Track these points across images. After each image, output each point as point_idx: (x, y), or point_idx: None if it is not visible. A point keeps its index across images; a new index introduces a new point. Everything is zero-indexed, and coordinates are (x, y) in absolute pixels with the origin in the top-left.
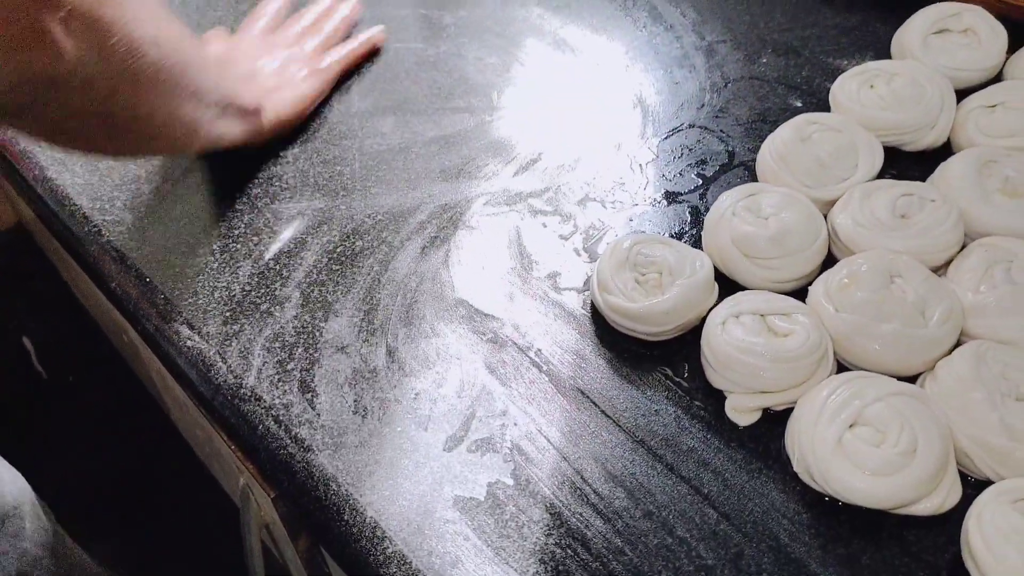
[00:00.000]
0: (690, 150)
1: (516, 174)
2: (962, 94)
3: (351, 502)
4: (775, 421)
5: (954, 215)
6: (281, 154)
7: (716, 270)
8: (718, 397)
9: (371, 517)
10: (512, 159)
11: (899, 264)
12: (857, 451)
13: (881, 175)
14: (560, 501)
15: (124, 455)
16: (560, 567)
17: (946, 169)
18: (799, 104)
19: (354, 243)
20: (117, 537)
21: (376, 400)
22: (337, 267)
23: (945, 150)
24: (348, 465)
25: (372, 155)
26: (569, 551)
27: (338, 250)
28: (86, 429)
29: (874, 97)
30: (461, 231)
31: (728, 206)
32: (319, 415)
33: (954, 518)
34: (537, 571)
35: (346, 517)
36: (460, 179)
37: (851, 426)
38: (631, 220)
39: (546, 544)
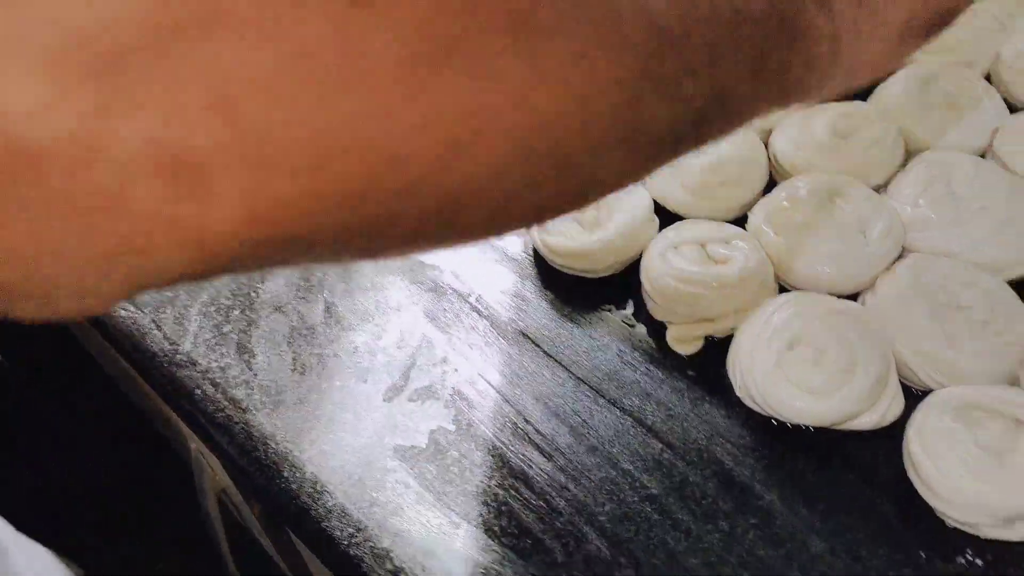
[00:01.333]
0: None
1: None
2: None
3: (290, 459)
4: (718, 348)
5: (893, 133)
6: None
7: (656, 203)
8: (661, 329)
9: (311, 472)
10: None
11: (838, 184)
12: (797, 371)
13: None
14: (502, 443)
15: (75, 426)
16: (503, 507)
17: (885, 88)
18: None
19: None
20: (75, 504)
21: (315, 356)
22: None
23: None
24: (287, 423)
25: None
26: (512, 491)
27: None
28: (35, 400)
29: None
30: None
31: None
32: (256, 375)
33: (897, 430)
34: (480, 513)
35: (285, 474)
36: None
37: (790, 347)
38: None
39: (488, 486)
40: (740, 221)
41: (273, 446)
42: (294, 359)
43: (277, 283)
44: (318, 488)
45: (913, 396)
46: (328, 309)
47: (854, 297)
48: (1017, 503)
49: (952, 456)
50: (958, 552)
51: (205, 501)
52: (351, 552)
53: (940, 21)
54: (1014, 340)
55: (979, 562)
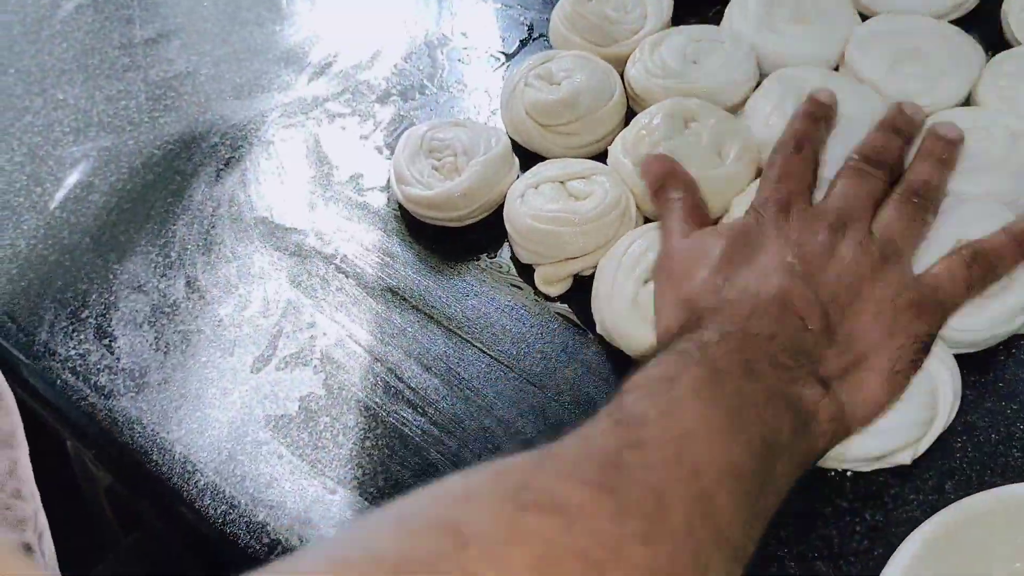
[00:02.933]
0: (489, 29)
1: (311, 81)
2: None
3: (158, 441)
4: (587, 287)
5: (743, 51)
6: (60, 98)
7: (516, 144)
8: (529, 272)
9: (180, 453)
10: (305, 66)
11: (692, 108)
12: (650, 307)
13: (677, 24)
14: (374, 403)
15: None
16: (379, 468)
17: (735, 7)
18: None
19: (144, 177)
20: None
21: (178, 334)
22: (128, 205)
23: None
24: (152, 405)
25: (158, 84)
26: (387, 451)
27: (127, 188)
28: None
29: None
30: (256, 148)
31: (520, 77)
32: (119, 359)
33: None
34: (355, 476)
35: (155, 458)
36: (252, 95)
37: (645, 282)
38: (432, 109)
39: (363, 448)
40: (601, 158)
41: (140, 430)
42: (157, 338)
43: (135, 262)
44: (188, 468)
45: None
46: (190, 284)
47: (715, 223)
48: (877, 445)
49: None
50: (828, 467)
51: (95, 498)
52: (227, 530)
53: (923, 352)
54: None
55: (849, 473)
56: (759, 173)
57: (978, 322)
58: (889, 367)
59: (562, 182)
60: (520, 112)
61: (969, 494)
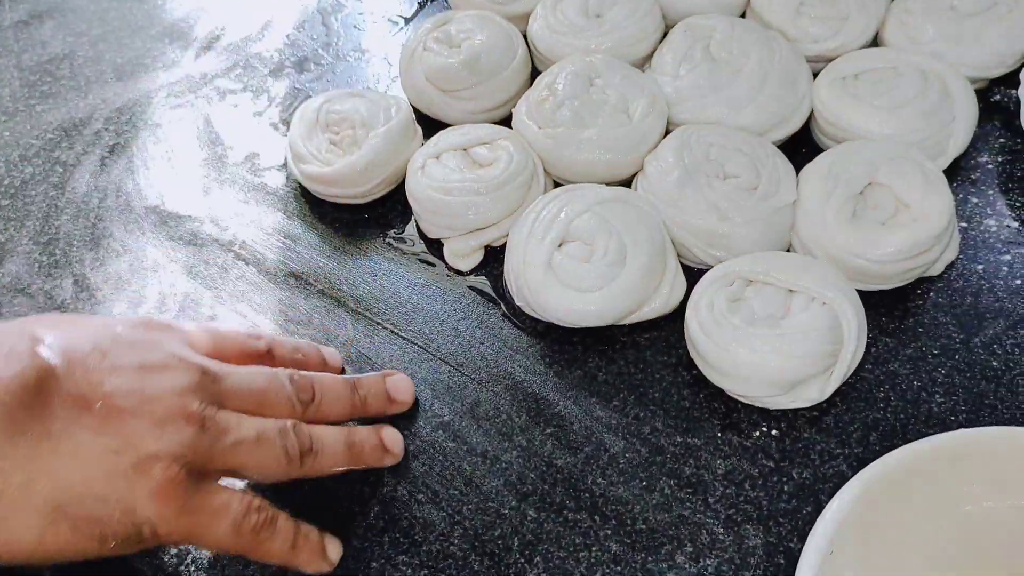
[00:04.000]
0: None
1: (198, 57)
2: None
3: None
4: (500, 258)
5: (647, 2)
6: None
7: (419, 112)
8: (438, 247)
9: None
10: (192, 41)
11: (596, 65)
12: (567, 270)
13: None
14: None
15: None
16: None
17: None
18: None
19: (23, 171)
20: None
21: None
22: (6, 201)
23: None
24: None
25: (32, 69)
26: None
27: (4, 183)
28: None
29: None
30: (143, 132)
31: (418, 42)
32: None
33: (683, 314)
34: None
35: None
36: (136, 76)
37: (560, 245)
38: (329, 80)
39: None
40: (508, 122)
41: None
42: None
43: (16, 263)
44: None
45: (696, 275)
46: (78, 283)
47: (628, 183)
48: (790, 368)
49: (727, 330)
50: (753, 427)
51: None
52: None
53: None
54: (782, 203)
55: (774, 432)
56: (668, 131)
57: (881, 253)
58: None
59: (465, 149)
60: (420, 78)
61: (895, 445)
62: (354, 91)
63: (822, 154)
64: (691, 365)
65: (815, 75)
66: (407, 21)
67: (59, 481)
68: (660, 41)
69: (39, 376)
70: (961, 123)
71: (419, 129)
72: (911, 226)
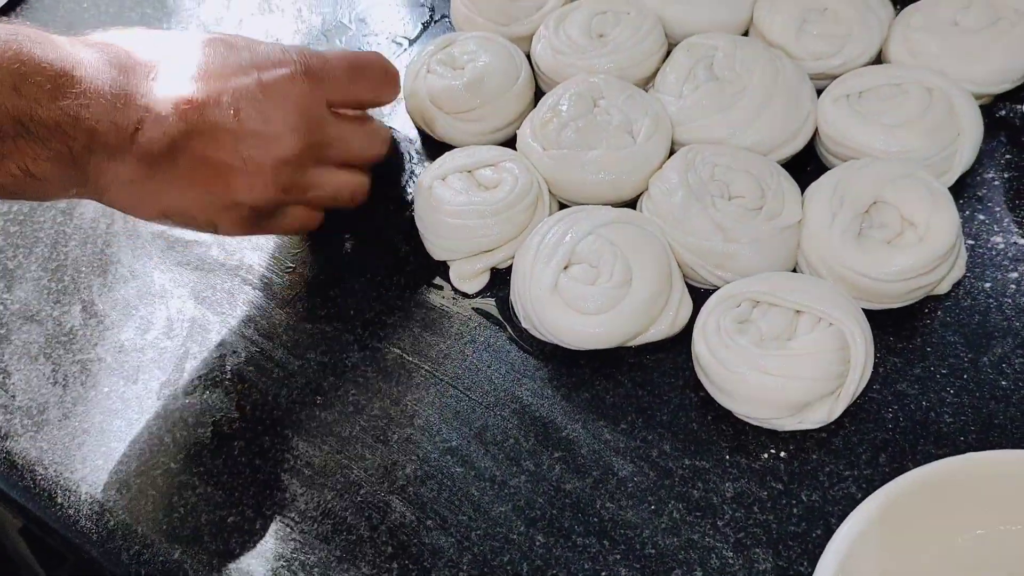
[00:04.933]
0: (388, 13)
1: None
2: None
3: (62, 483)
4: (506, 280)
5: (650, 22)
6: None
7: (423, 134)
8: (444, 269)
9: (86, 493)
10: None
11: (599, 86)
12: (573, 293)
13: None
14: (291, 422)
15: None
16: (299, 492)
17: None
18: None
19: None
20: None
21: (76, 364)
22: (15, 228)
23: None
24: (53, 443)
25: None
26: (304, 472)
27: (13, 210)
28: None
29: None
30: None
31: (421, 64)
32: (14, 397)
33: (690, 335)
34: (274, 502)
35: (59, 500)
36: None
37: (565, 268)
38: None
39: (279, 472)
40: (512, 143)
41: (41, 472)
42: (54, 371)
43: (25, 290)
44: (96, 509)
45: (703, 296)
46: (86, 309)
47: (634, 204)
48: (798, 390)
49: (734, 352)
50: (761, 449)
51: (8, 542)
52: (142, 572)
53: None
54: (787, 222)
55: (783, 454)
56: (673, 151)
57: (887, 272)
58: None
59: (470, 171)
60: (424, 100)
61: (904, 467)
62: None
63: (827, 173)
64: (698, 387)
65: (819, 92)
66: (411, 42)
67: (172, 202)
68: (663, 61)
69: (181, 136)
70: (967, 140)
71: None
72: (917, 245)
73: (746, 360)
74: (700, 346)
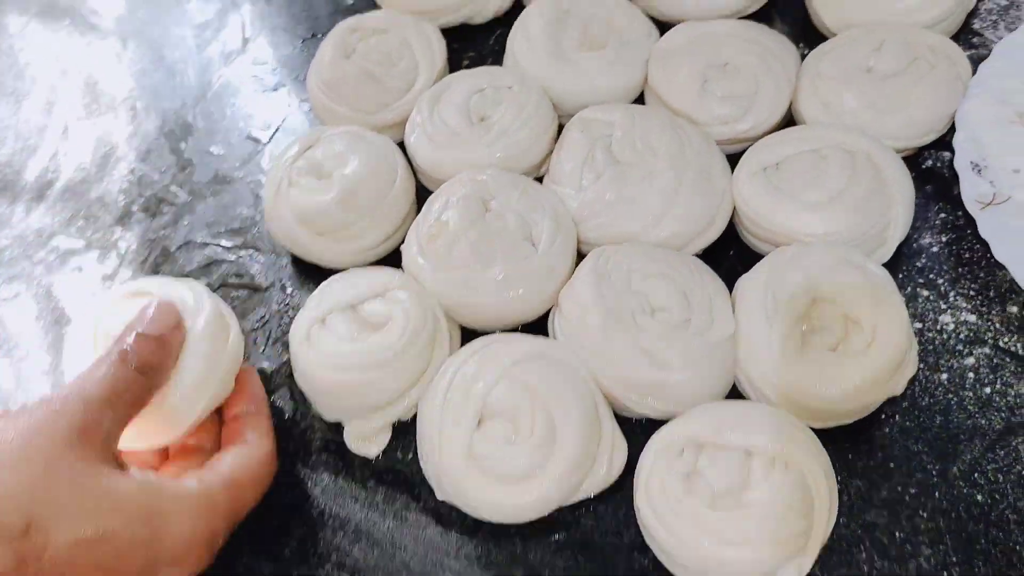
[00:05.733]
0: (240, 105)
1: (30, 211)
2: None
3: None
4: (411, 434)
5: (535, 97)
6: None
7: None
8: (338, 430)
9: None
10: (20, 191)
11: (488, 185)
12: (491, 457)
13: (455, 67)
14: None
15: None
16: None
17: (517, 36)
18: (348, 2)
19: None
20: None
21: None
22: None
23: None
24: None
25: None
26: None
27: None
28: None
29: None
30: None
31: (282, 173)
32: None
33: (628, 479)
34: None
35: None
36: None
37: (479, 424)
38: (189, 223)
39: None
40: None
41: None
42: None
43: None
44: None
45: (634, 426)
46: None
47: (544, 318)
48: (763, 559)
49: (686, 519)
50: None
51: None
52: None
53: None
54: (719, 336)
55: None
56: (581, 256)
57: (839, 391)
58: None
59: (354, 307)
60: (289, 220)
61: None
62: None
63: (755, 268)
64: (645, 546)
65: (729, 157)
66: (268, 139)
67: None
68: (555, 141)
69: None
70: (899, 207)
71: (231, 322)
72: (867, 353)
73: (700, 526)
74: (646, 511)
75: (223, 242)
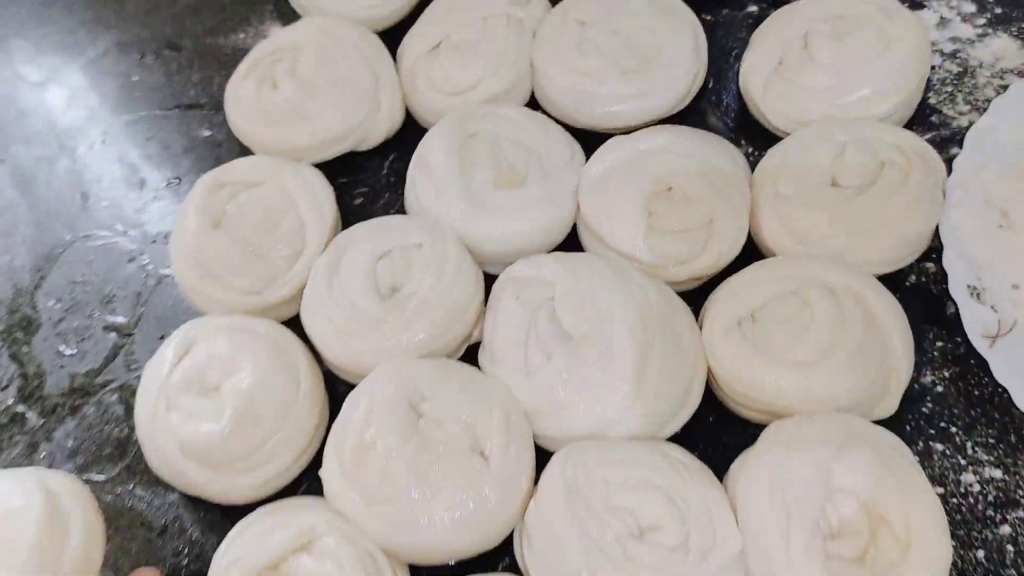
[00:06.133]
0: (90, 284)
1: None
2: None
3: None
4: None
5: (453, 258)
6: None
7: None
8: None
9: None
10: None
11: (416, 380)
12: None
13: (346, 210)
14: None
15: None
16: None
17: (418, 177)
18: (206, 134)
19: None
20: None
21: None
22: None
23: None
24: None
25: None
26: None
27: None
28: None
29: (277, 101)
30: None
31: (158, 392)
32: None
33: None
34: None
35: None
36: None
37: None
38: (46, 451)
39: None
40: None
41: None
42: None
43: None
44: None
45: None
46: None
47: (508, 542)
48: None
49: None
50: None
51: None
52: None
53: None
54: (726, 557)
55: None
56: (546, 457)
57: None
58: None
59: (276, 567)
60: (174, 454)
61: None
62: None
63: (754, 462)
64: None
65: (686, 298)
66: (129, 334)
67: None
68: (483, 303)
69: None
70: (899, 351)
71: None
72: (904, 561)
73: None
74: None
75: (93, 475)
